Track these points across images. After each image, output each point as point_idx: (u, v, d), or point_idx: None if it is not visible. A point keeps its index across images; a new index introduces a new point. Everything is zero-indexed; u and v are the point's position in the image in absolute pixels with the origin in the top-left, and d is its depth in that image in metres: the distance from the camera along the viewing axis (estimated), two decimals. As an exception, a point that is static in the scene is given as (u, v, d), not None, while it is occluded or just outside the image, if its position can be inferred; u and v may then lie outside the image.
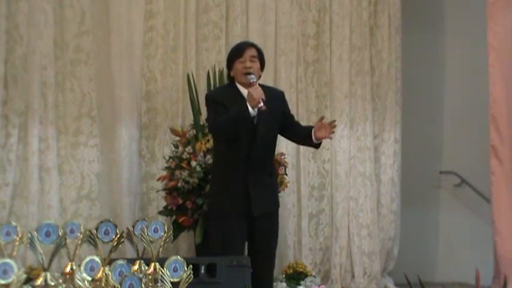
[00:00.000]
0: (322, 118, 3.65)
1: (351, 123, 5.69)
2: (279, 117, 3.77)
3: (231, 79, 3.81)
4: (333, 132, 3.66)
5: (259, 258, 3.59)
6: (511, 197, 5.01)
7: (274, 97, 3.78)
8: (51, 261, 1.96)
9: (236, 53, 3.75)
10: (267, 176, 3.73)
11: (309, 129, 3.76)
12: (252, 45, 3.82)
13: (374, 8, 5.89)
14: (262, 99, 3.46)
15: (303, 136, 3.80)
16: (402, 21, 5.96)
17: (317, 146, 3.79)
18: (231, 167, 3.63)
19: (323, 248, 5.61)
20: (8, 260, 1.84)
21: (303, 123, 5.43)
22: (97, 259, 2.22)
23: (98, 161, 5.05)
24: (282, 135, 3.95)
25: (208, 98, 3.80)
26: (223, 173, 3.71)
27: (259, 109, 3.47)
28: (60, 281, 2.04)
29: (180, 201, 4.61)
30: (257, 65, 3.72)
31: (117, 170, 5.00)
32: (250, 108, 3.47)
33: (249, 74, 3.63)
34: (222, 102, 3.62)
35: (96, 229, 2.43)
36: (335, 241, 5.54)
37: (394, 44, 5.88)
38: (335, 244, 5.53)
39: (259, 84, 3.63)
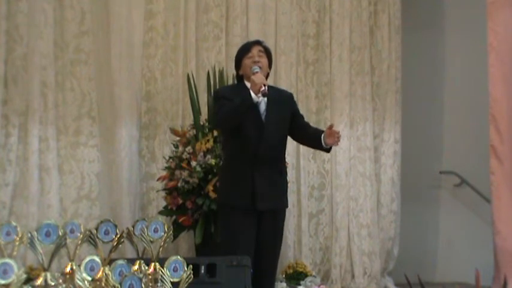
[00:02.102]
0: (331, 126, 3.62)
1: (351, 123, 5.69)
2: (288, 118, 3.78)
3: (240, 78, 3.82)
4: (339, 140, 3.64)
5: (262, 258, 3.59)
6: (511, 197, 5.01)
7: (283, 98, 3.83)
8: (51, 261, 1.96)
9: (244, 50, 3.78)
10: (277, 174, 3.71)
11: (318, 134, 3.72)
12: (260, 42, 3.85)
13: (374, 8, 5.90)
14: (264, 85, 3.48)
15: (313, 140, 3.78)
16: (402, 21, 5.96)
17: (328, 150, 3.77)
18: (239, 163, 3.62)
19: (323, 247, 5.61)
20: (8, 260, 1.84)
21: (303, 123, 5.45)
22: (97, 259, 2.22)
23: (98, 161, 5.04)
24: (293, 138, 3.94)
25: (217, 94, 3.86)
26: (231, 169, 3.71)
27: (262, 93, 3.48)
28: (60, 281, 2.05)
29: (180, 201, 4.61)
30: (265, 60, 3.75)
31: (117, 170, 5.00)
32: (253, 94, 3.49)
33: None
34: (230, 97, 3.63)
35: (96, 229, 2.43)
36: (335, 241, 5.54)
37: (394, 44, 5.88)
38: (335, 244, 5.53)
39: (269, 86, 3.64)
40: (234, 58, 3.91)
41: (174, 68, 5.27)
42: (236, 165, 3.65)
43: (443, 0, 6.38)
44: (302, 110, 5.46)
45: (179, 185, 4.59)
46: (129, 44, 5.11)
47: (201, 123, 4.83)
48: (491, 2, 5.10)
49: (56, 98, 4.96)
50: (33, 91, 4.82)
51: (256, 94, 3.49)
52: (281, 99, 3.77)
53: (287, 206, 3.86)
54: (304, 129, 3.85)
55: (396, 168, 5.81)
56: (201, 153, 4.58)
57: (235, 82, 4.05)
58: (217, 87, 4.87)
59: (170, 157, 4.83)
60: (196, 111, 4.91)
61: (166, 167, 4.81)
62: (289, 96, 3.95)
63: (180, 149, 4.75)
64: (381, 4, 5.89)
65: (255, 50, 3.73)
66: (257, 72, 3.59)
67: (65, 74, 5.02)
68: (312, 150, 5.61)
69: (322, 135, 3.65)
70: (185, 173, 4.57)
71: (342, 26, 5.71)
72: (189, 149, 4.67)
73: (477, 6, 5.49)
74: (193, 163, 4.56)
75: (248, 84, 3.62)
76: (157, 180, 4.95)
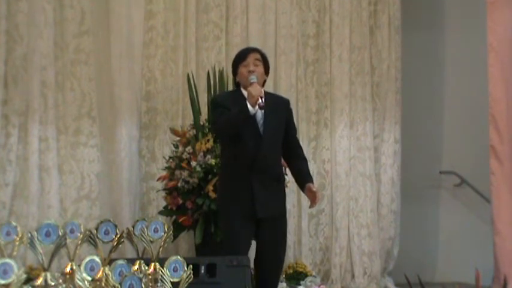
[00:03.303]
0: (314, 192, 3.67)
1: (351, 123, 5.69)
2: (283, 124, 3.77)
3: (237, 85, 3.82)
4: (315, 204, 3.73)
5: (266, 264, 3.61)
6: (511, 197, 5.01)
7: (279, 104, 3.82)
8: (51, 261, 1.96)
9: (240, 57, 3.76)
10: (274, 181, 3.70)
11: (300, 179, 3.79)
12: (256, 50, 3.83)
13: (374, 8, 5.89)
14: (261, 97, 3.47)
15: (295, 179, 3.88)
16: (402, 21, 5.96)
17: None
18: (237, 168, 3.62)
19: (323, 248, 5.60)
20: (8, 260, 1.84)
21: (303, 123, 5.46)
22: (97, 259, 2.22)
23: (98, 161, 5.03)
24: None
25: (213, 102, 3.85)
26: (229, 174, 3.71)
27: (258, 106, 3.47)
28: (60, 281, 2.04)
29: (180, 201, 4.62)
30: (261, 69, 3.72)
31: (117, 170, 5.00)
32: (249, 107, 3.47)
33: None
34: (227, 105, 3.63)
35: (96, 229, 2.43)
36: (335, 241, 5.53)
37: (394, 44, 5.88)
38: (335, 244, 5.53)
39: (266, 92, 3.64)
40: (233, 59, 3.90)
41: (174, 68, 5.27)
42: (234, 172, 3.64)
43: (443, 0, 6.38)
44: (302, 110, 5.52)
45: (179, 185, 4.59)
46: (129, 44, 5.12)
47: (201, 123, 4.83)
48: (491, 2, 5.11)
49: (56, 98, 4.96)
50: (33, 91, 4.81)
51: (253, 106, 3.47)
52: (278, 107, 3.75)
53: (285, 212, 3.83)
54: (290, 158, 3.85)
55: (396, 168, 5.81)
56: (201, 153, 4.58)
57: (235, 87, 4.04)
58: (217, 87, 4.88)
59: (170, 157, 4.83)
60: (196, 111, 4.91)
61: (166, 167, 4.81)
62: (286, 102, 3.91)
63: (180, 149, 4.75)
64: (380, 4, 5.89)
65: (251, 58, 3.70)
66: (254, 82, 3.58)
67: (65, 74, 5.02)
68: (311, 151, 5.65)
69: (305, 185, 3.70)
70: (185, 173, 4.57)
71: (341, 26, 5.71)
72: (189, 149, 4.67)
73: (477, 6, 5.50)
74: (193, 163, 4.56)
75: (245, 93, 3.62)
76: (157, 180, 4.95)
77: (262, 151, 3.59)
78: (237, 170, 3.62)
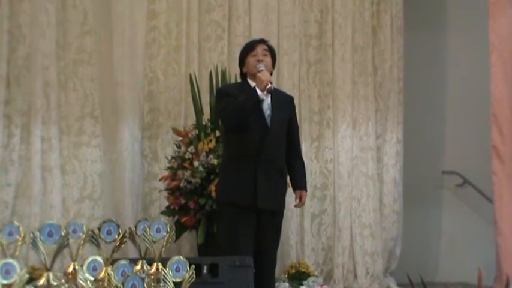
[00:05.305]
0: (300, 201, 3.87)
1: (354, 123, 5.69)
2: (287, 119, 3.81)
3: (243, 76, 3.85)
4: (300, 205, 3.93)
5: (260, 257, 3.60)
6: (514, 197, 5.01)
7: (285, 99, 3.88)
8: (53, 261, 1.96)
9: (249, 48, 3.81)
10: (277, 174, 3.73)
11: (296, 179, 3.90)
12: (264, 41, 3.88)
13: (376, 8, 5.88)
14: (270, 82, 3.54)
15: (290, 175, 3.92)
16: (405, 21, 5.95)
17: None
18: (242, 162, 3.63)
19: (325, 248, 5.60)
20: (10, 260, 1.84)
21: (305, 123, 5.46)
22: (99, 259, 2.22)
23: (101, 161, 5.05)
24: None
25: (220, 91, 3.91)
26: (233, 165, 3.72)
27: (267, 91, 3.52)
28: (63, 281, 2.04)
29: (183, 201, 4.62)
30: (269, 59, 3.78)
31: (119, 170, 5.00)
32: (258, 91, 3.53)
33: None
34: (234, 95, 3.66)
35: (99, 229, 2.43)
36: (337, 241, 5.53)
37: (396, 44, 5.87)
38: (337, 244, 5.52)
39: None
40: (236, 58, 3.96)
41: (176, 68, 5.28)
42: (239, 164, 3.66)
43: (445, 1, 6.38)
44: (305, 110, 5.52)
45: (181, 185, 4.59)
46: (131, 44, 5.12)
47: (204, 123, 4.83)
48: (493, 3, 5.10)
49: (59, 98, 4.97)
50: (36, 91, 4.83)
51: (262, 91, 3.53)
52: (283, 102, 3.82)
53: (284, 207, 3.87)
54: (287, 156, 3.85)
55: (399, 168, 5.80)
56: (204, 153, 4.58)
57: (239, 80, 4.06)
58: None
59: (172, 157, 4.83)
60: (198, 111, 4.91)
61: (168, 167, 4.81)
62: (291, 99, 3.99)
63: (183, 149, 4.76)
64: (383, 4, 5.88)
65: (260, 49, 3.76)
66: (262, 70, 3.62)
67: (68, 74, 5.03)
68: (314, 150, 5.65)
69: (296, 191, 3.88)
70: (187, 173, 4.57)
71: (344, 26, 5.70)
72: (191, 149, 4.67)
73: (479, 6, 5.49)
74: (196, 163, 4.56)
75: (251, 83, 3.66)
76: (160, 180, 4.95)
77: (268, 142, 3.63)
78: (242, 161, 3.63)
